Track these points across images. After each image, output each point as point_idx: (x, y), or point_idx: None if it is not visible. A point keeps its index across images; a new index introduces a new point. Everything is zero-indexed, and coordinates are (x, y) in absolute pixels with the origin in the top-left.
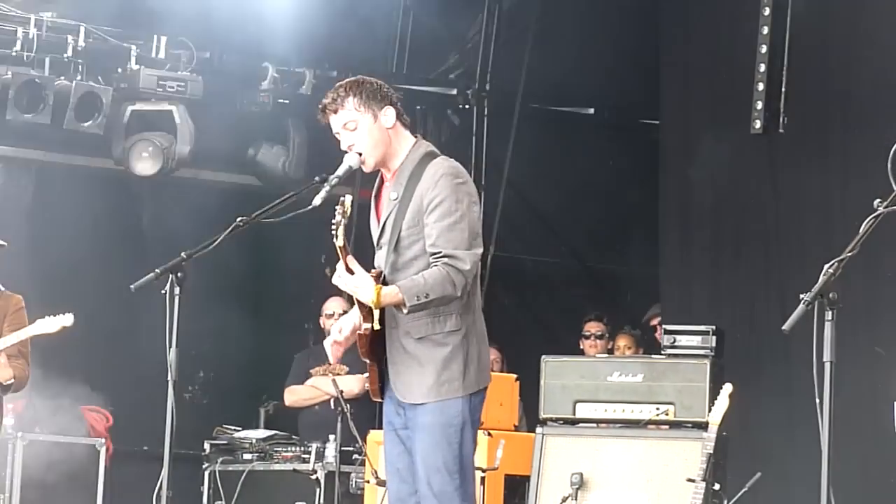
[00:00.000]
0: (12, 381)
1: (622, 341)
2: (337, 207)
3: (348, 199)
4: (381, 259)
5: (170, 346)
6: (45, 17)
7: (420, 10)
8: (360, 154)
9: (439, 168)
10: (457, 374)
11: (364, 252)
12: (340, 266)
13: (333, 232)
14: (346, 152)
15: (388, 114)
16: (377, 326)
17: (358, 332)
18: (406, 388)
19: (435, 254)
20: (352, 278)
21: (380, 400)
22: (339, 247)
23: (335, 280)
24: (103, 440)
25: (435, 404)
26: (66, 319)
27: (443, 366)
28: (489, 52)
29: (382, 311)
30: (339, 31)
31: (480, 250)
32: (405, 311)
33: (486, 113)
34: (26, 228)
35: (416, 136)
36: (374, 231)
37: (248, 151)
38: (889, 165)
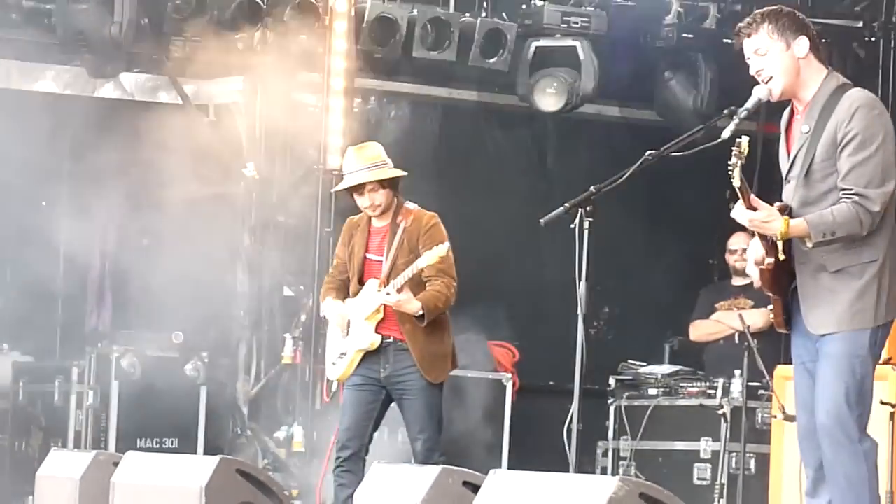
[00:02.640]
0: (422, 311)
1: None
2: (733, 149)
3: (745, 140)
4: (789, 192)
5: (579, 280)
6: None
7: None
8: (769, 79)
9: (855, 100)
10: (870, 304)
11: (770, 188)
12: (740, 204)
13: (730, 173)
14: (755, 84)
15: (801, 43)
16: (782, 257)
17: (760, 266)
18: (818, 320)
19: (845, 190)
20: (757, 213)
21: (785, 331)
22: (738, 187)
23: (734, 215)
24: (510, 375)
25: (844, 334)
26: (441, 250)
27: (857, 296)
28: None
29: (788, 243)
30: None
31: (892, 187)
32: (809, 245)
33: (893, 45)
34: (432, 165)
35: (828, 69)
36: (784, 165)
37: (652, 86)
38: None
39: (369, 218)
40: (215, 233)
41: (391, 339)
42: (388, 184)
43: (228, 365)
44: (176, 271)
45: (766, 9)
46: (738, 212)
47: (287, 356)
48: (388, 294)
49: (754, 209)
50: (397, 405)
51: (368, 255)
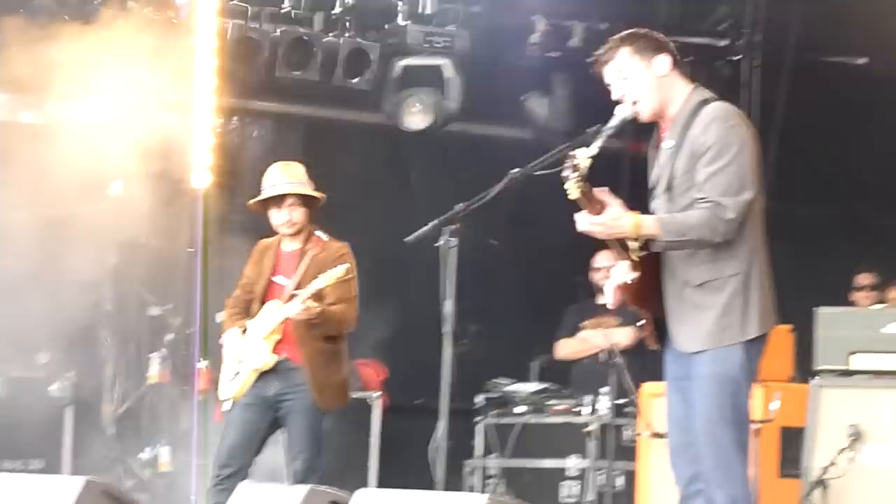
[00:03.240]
0: (317, 321)
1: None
2: (566, 162)
3: (580, 153)
4: (656, 209)
5: (446, 299)
6: None
7: None
8: (635, 102)
9: (710, 111)
10: (736, 320)
11: (640, 207)
12: (583, 214)
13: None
14: (618, 104)
15: (662, 61)
16: (640, 253)
17: (625, 282)
18: (685, 337)
19: (700, 199)
20: (602, 217)
21: (656, 348)
22: (578, 199)
23: (580, 226)
24: (378, 394)
25: (713, 352)
26: (339, 270)
27: (722, 312)
28: (760, 1)
29: (656, 259)
30: None
31: (749, 196)
32: (658, 244)
33: (757, 64)
34: None
35: (693, 84)
36: (650, 181)
37: (517, 105)
38: None
39: (279, 242)
40: (81, 252)
41: (286, 359)
42: (307, 205)
43: (94, 385)
44: (41, 292)
45: (622, 33)
46: (583, 220)
47: (153, 376)
48: (292, 305)
49: (600, 213)
50: (282, 423)
51: (274, 279)
